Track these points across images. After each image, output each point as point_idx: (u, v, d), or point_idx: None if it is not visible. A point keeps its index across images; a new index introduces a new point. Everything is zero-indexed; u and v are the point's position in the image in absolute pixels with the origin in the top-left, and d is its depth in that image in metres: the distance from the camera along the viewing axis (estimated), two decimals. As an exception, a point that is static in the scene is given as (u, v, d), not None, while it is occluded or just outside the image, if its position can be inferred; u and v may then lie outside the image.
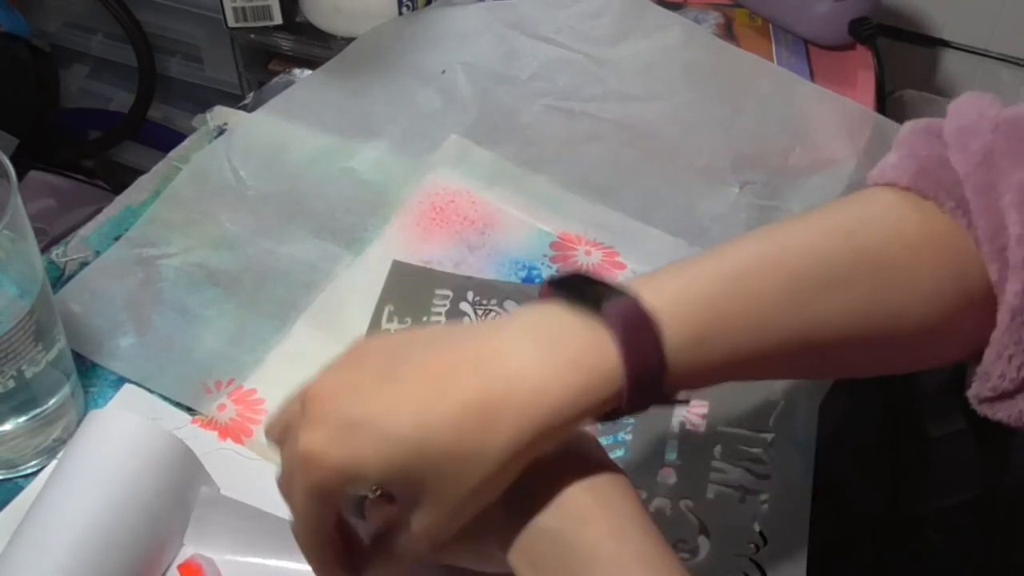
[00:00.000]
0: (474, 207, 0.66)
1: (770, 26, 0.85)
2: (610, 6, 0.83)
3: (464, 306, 0.59)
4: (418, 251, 0.63)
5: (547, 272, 0.62)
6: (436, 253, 0.63)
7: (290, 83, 0.76)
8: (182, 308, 0.59)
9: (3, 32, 1.17)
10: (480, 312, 0.59)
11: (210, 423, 0.54)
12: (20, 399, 0.48)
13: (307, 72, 0.77)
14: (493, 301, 0.59)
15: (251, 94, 0.76)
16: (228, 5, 0.89)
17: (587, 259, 0.63)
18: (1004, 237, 0.41)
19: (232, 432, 0.53)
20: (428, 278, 0.61)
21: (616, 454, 0.52)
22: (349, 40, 0.81)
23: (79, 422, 0.51)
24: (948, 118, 0.47)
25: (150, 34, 1.24)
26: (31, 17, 1.25)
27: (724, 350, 0.40)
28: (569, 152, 0.71)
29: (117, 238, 0.63)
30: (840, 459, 0.56)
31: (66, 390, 0.51)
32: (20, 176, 0.45)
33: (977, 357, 0.43)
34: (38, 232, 0.48)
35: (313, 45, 0.90)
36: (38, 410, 0.50)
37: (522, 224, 0.65)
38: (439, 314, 0.59)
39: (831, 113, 0.75)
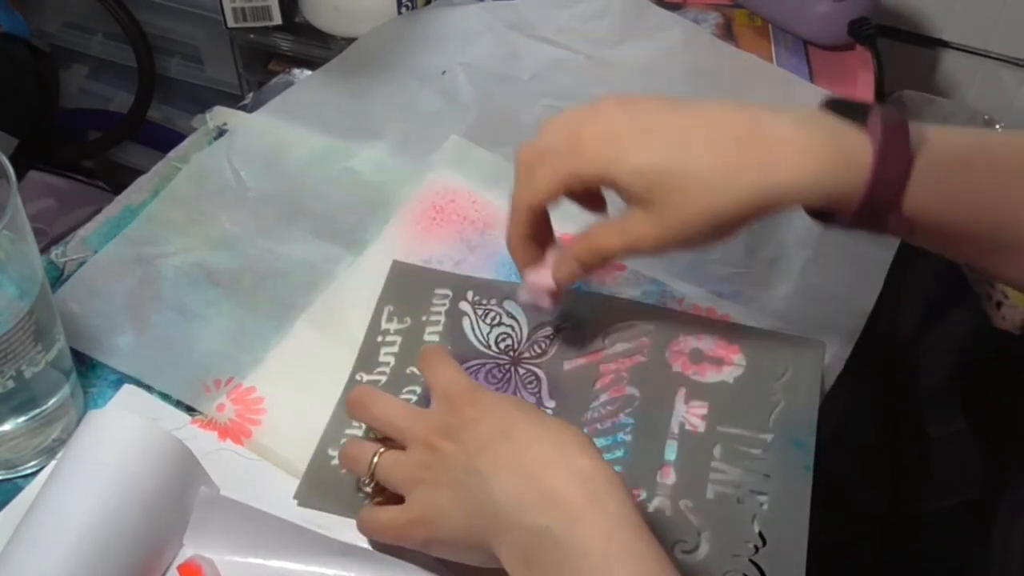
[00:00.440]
0: (474, 207, 0.66)
1: (769, 26, 0.85)
2: (611, 7, 0.83)
3: (464, 305, 0.59)
4: (418, 251, 0.63)
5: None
6: (436, 253, 0.63)
7: (289, 83, 0.76)
8: (181, 307, 0.59)
9: (3, 32, 1.17)
10: (480, 312, 0.59)
11: (209, 423, 0.53)
12: (20, 399, 0.48)
13: (306, 72, 0.77)
14: (493, 301, 0.59)
15: (251, 94, 0.76)
16: (227, 5, 0.89)
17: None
18: None
19: (231, 432, 0.53)
20: (428, 277, 0.61)
21: (616, 454, 0.52)
22: (349, 40, 0.81)
23: (78, 422, 0.51)
24: None
25: (150, 34, 1.24)
26: (31, 17, 1.25)
27: (954, 199, 0.43)
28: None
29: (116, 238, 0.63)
30: (840, 459, 0.56)
31: (65, 390, 0.51)
32: (20, 176, 0.45)
33: None
34: (38, 232, 0.48)
35: (312, 45, 0.90)
36: (37, 410, 0.50)
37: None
38: (438, 313, 0.59)
39: (831, 113, 0.75)
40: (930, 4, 1.02)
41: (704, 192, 0.44)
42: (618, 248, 0.48)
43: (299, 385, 0.55)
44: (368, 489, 0.49)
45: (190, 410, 0.54)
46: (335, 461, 0.52)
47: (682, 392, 0.55)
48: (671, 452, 0.52)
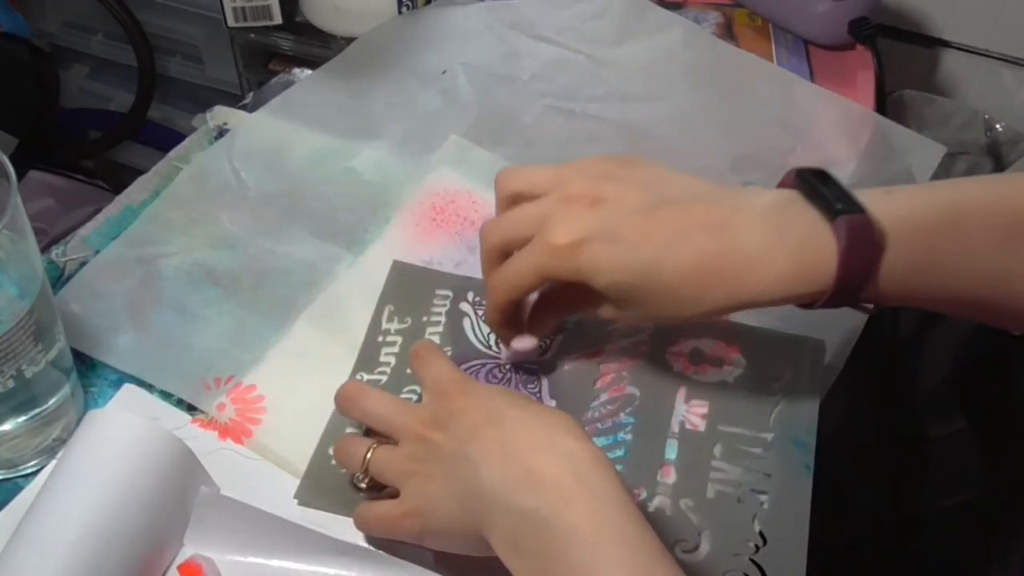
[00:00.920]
0: (475, 207, 0.66)
1: (770, 26, 0.85)
2: (611, 6, 0.83)
3: (464, 306, 0.59)
4: (418, 251, 0.63)
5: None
6: (436, 253, 0.63)
7: (290, 83, 0.76)
8: (182, 307, 0.59)
9: (3, 32, 1.17)
10: (480, 313, 0.59)
11: (210, 423, 0.53)
12: (20, 399, 0.48)
13: (307, 72, 0.77)
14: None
15: (251, 94, 0.76)
16: (228, 5, 0.89)
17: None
18: None
19: (232, 432, 0.53)
20: (428, 278, 0.61)
21: (616, 453, 0.52)
22: (349, 40, 0.81)
23: (79, 422, 0.51)
24: None
25: (150, 34, 1.24)
26: (31, 17, 1.25)
27: (927, 281, 0.44)
28: (570, 152, 0.71)
29: (117, 238, 0.63)
30: (840, 459, 0.56)
31: (66, 390, 0.51)
32: (20, 176, 0.45)
33: None
34: (38, 232, 0.48)
35: (313, 45, 0.90)
36: (38, 410, 0.50)
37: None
38: (439, 314, 0.59)
39: (831, 113, 0.75)
40: (930, 4, 1.02)
41: (674, 304, 0.46)
42: (592, 316, 0.51)
43: (299, 385, 0.55)
44: (362, 485, 0.49)
45: (190, 409, 0.54)
46: (335, 460, 0.52)
47: (682, 391, 0.55)
48: (671, 451, 0.52)
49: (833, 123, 0.75)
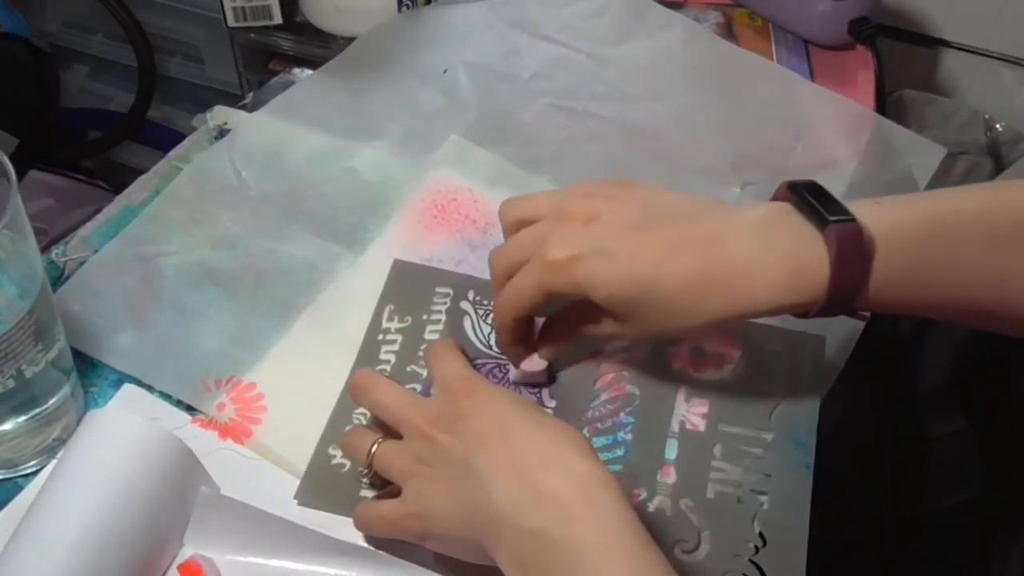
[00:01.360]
0: (476, 206, 0.66)
1: (770, 26, 0.85)
2: (612, 5, 0.83)
3: (465, 305, 0.59)
4: (419, 249, 0.63)
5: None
6: (437, 251, 0.63)
7: (290, 83, 0.76)
8: (182, 307, 0.59)
9: (3, 32, 1.17)
10: (481, 312, 0.59)
11: (210, 423, 0.53)
12: (20, 399, 0.48)
13: (307, 72, 0.77)
14: (493, 301, 0.59)
15: (251, 94, 0.76)
16: (228, 5, 0.89)
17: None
18: None
19: (232, 432, 0.53)
20: (429, 276, 0.61)
21: (616, 453, 0.52)
22: (349, 40, 0.81)
23: (79, 422, 0.51)
24: None
25: (150, 34, 1.24)
26: (31, 17, 1.25)
27: (918, 289, 0.45)
28: (570, 152, 0.71)
29: (116, 237, 0.63)
30: (840, 459, 0.56)
31: (66, 390, 0.51)
32: (20, 176, 0.45)
33: None
34: (38, 232, 0.48)
35: (313, 45, 0.90)
36: (38, 410, 0.50)
37: (522, 224, 0.65)
38: (439, 312, 0.59)
39: (832, 113, 0.75)
40: (930, 3, 1.02)
41: (672, 316, 0.47)
42: (593, 337, 0.52)
43: (299, 384, 0.55)
44: (366, 480, 0.49)
45: (190, 409, 0.54)
46: (335, 460, 0.52)
47: (682, 391, 0.55)
48: (671, 451, 0.52)
49: (833, 123, 0.75)
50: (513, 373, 0.55)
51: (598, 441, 0.53)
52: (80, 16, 1.30)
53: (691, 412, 0.54)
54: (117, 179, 1.20)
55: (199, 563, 0.47)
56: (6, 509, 0.50)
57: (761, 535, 0.49)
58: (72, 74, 1.37)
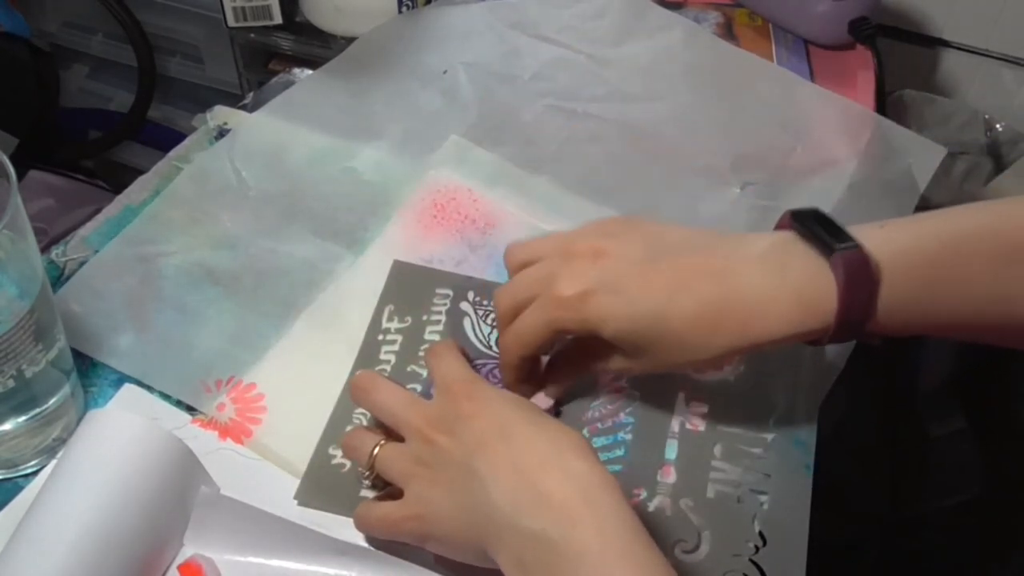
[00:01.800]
0: (475, 205, 0.66)
1: (770, 26, 0.85)
2: (612, 6, 0.83)
3: (465, 306, 0.59)
4: (419, 250, 0.63)
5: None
6: (437, 252, 0.63)
7: (290, 83, 0.76)
8: (182, 307, 0.59)
9: (3, 32, 1.17)
10: (480, 312, 0.59)
11: (210, 423, 0.53)
12: (20, 399, 0.48)
13: (307, 72, 0.77)
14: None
15: (251, 94, 0.76)
16: (228, 5, 0.89)
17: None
18: None
19: (232, 432, 0.53)
20: (429, 277, 0.61)
21: (616, 453, 0.52)
22: (349, 40, 0.81)
23: (79, 422, 0.51)
24: None
25: (150, 34, 1.24)
26: (31, 17, 1.25)
27: (928, 311, 0.45)
28: (570, 152, 0.71)
29: (116, 237, 0.63)
30: (840, 459, 0.56)
31: (66, 390, 0.51)
32: (20, 176, 0.45)
33: None
34: (38, 232, 0.48)
35: (313, 45, 0.90)
36: (38, 410, 0.50)
37: (523, 224, 0.65)
38: (439, 313, 0.59)
39: (832, 114, 0.75)
40: (930, 3, 1.02)
41: (683, 351, 0.47)
42: (601, 371, 0.52)
43: (299, 384, 0.55)
44: (367, 481, 0.49)
45: (190, 409, 0.54)
46: (335, 460, 0.52)
47: (682, 391, 0.55)
48: (671, 451, 0.52)
49: (833, 123, 0.75)
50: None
51: (598, 441, 0.53)
52: (80, 16, 1.30)
53: (691, 412, 0.54)
54: (117, 179, 1.20)
55: (199, 563, 0.47)
56: (6, 509, 0.50)
57: (761, 535, 0.49)
58: (72, 74, 1.37)
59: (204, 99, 1.10)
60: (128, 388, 0.55)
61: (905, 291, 0.44)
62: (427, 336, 0.57)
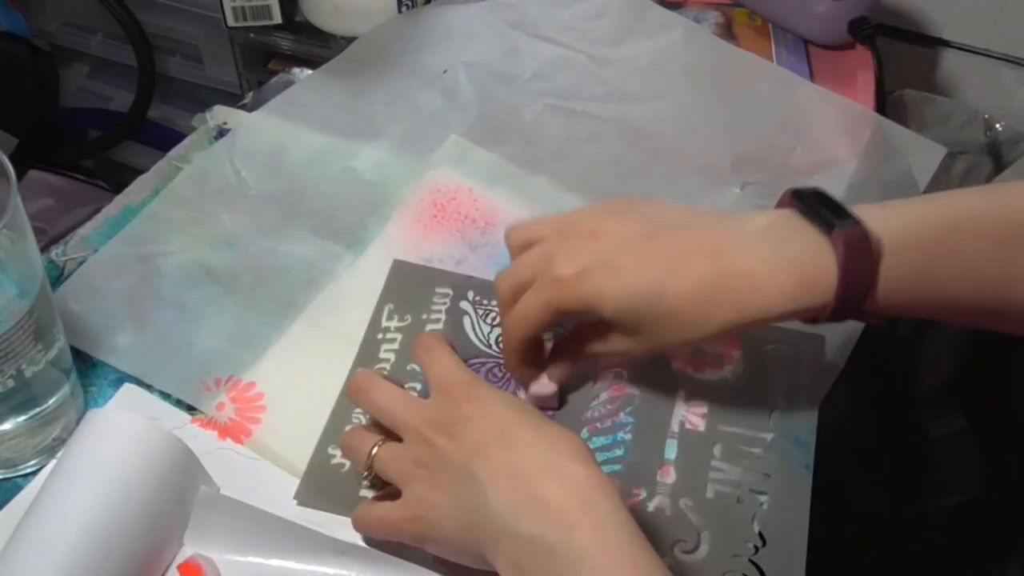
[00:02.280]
0: (475, 205, 0.66)
1: (770, 25, 0.85)
2: (612, 6, 0.83)
3: (464, 305, 0.59)
4: (418, 249, 0.63)
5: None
6: (437, 251, 0.63)
7: (289, 82, 0.76)
8: (181, 306, 0.59)
9: (3, 32, 1.17)
10: (480, 312, 0.59)
11: (209, 423, 0.53)
12: (20, 398, 0.48)
13: (307, 71, 0.77)
14: (494, 301, 0.59)
15: (251, 94, 0.76)
16: (227, 4, 0.89)
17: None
18: None
19: (231, 432, 0.53)
20: (428, 276, 0.61)
21: (616, 453, 0.52)
22: (349, 39, 0.81)
23: (78, 421, 0.51)
24: None
25: (150, 34, 1.24)
26: (31, 17, 1.25)
27: (927, 291, 0.45)
28: (570, 152, 0.71)
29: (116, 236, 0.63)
30: (840, 459, 0.56)
31: (65, 389, 0.51)
32: (20, 176, 0.45)
33: None
34: (38, 232, 0.48)
35: (313, 44, 0.90)
36: (38, 409, 0.50)
37: (523, 223, 0.65)
38: (439, 312, 0.59)
39: (832, 113, 0.75)
40: (930, 3, 1.02)
41: (682, 328, 0.46)
42: (604, 355, 0.51)
43: (299, 384, 0.55)
44: (366, 481, 0.49)
45: (190, 409, 0.54)
46: (335, 460, 0.52)
47: (682, 391, 0.55)
48: (671, 451, 0.52)
49: (833, 123, 0.75)
50: (522, 396, 0.54)
51: (597, 441, 0.53)
52: (80, 16, 1.30)
53: (691, 412, 0.54)
54: (117, 179, 1.20)
55: (199, 563, 0.47)
56: (6, 509, 0.50)
57: (761, 535, 0.49)
58: (72, 74, 1.37)
59: (204, 99, 1.10)
60: (128, 388, 0.55)
61: (905, 269, 0.44)
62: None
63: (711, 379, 0.55)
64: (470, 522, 0.42)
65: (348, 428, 0.53)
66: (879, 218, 0.44)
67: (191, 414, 0.54)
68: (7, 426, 0.49)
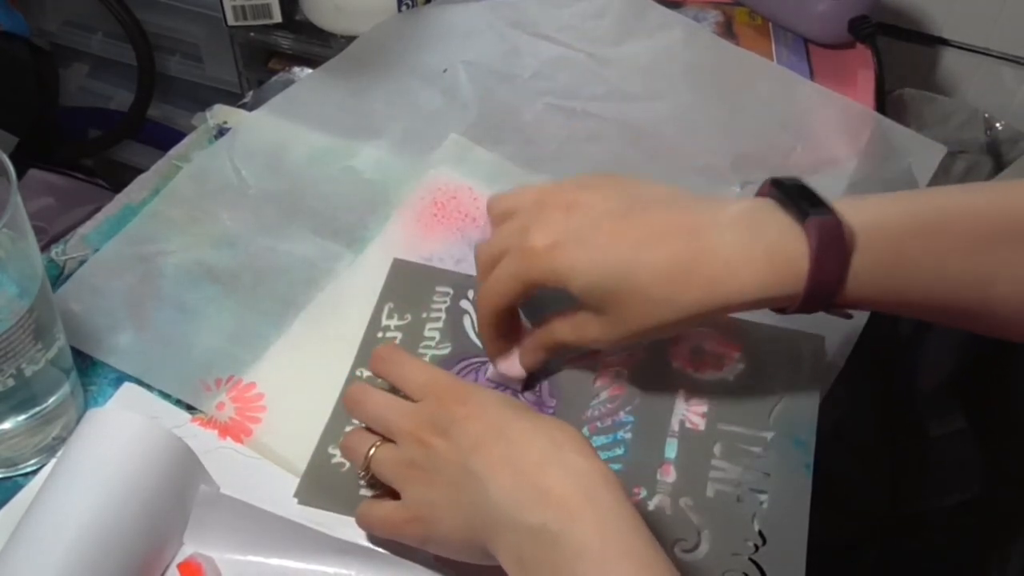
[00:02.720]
0: (475, 204, 0.66)
1: (770, 24, 0.85)
2: (612, 5, 0.83)
3: (465, 304, 0.59)
4: (419, 248, 0.63)
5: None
6: (437, 250, 0.63)
7: (289, 81, 0.76)
8: (181, 305, 0.59)
9: (3, 31, 1.17)
10: (480, 311, 0.59)
11: (209, 422, 0.53)
12: (20, 398, 0.48)
13: (307, 70, 0.77)
14: (493, 300, 0.59)
15: (251, 93, 0.76)
16: (228, 3, 0.89)
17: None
18: None
19: (231, 431, 0.53)
20: (428, 275, 0.61)
21: (616, 452, 0.52)
22: (349, 39, 0.81)
23: (78, 420, 0.51)
24: None
25: (150, 33, 1.24)
26: (31, 16, 1.25)
27: (900, 285, 0.45)
28: (570, 151, 0.71)
29: (116, 236, 0.63)
30: (840, 458, 0.56)
31: (66, 388, 0.51)
32: (20, 175, 0.45)
33: None
34: (38, 231, 0.48)
35: (313, 43, 0.90)
36: (38, 408, 0.50)
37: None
38: (439, 311, 0.59)
39: (832, 113, 0.75)
40: (930, 2, 1.02)
41: (651, 308, 0.46)
42: (574, 343, 0.51)
43: (299, 383, 0.55)
44: (363, 481, 0.49)
45: (190, 408, 0.54)
46: (335, 459, 0.52)
47: (682, 390, 0.55)
48: (671, 450, 0.52)
49: (833, 122, 0.75)
50: (491, 371, 0.55)
51: (597, 440, 0.53)
52: (80, 15, 1.30)
53: (691, 411, 0.54)
54: (117, 178, 1.20)
55: (199, 562, 0.47)
56: (6, 508, 0.50)
57: (761, 534, 0.49)
58: (72, 73, 1.37)
59: (204, 98, 1.10)
60: (128, 387, 0.55)
61: (878, 262, 0.44)
62: (427, 333, 0.57)
63: (711, 379, 0.55)
64: (470, 517, 0.42)
65: (348, 428, 0.53)
66: (855, 210, 0.44)
67: (191, 413, 0.54)
68: (7, 425, 0.49)
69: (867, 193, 0.66)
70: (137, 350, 0.57)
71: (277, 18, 0.90)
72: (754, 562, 0.48)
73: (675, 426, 0.53)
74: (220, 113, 0.72)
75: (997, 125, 1.00)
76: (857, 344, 0.58)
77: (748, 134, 0.73)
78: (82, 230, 0.64)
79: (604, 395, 0.55)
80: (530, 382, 0.55)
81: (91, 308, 0.58)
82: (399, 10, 0.83)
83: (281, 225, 0.64)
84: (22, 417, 0.49)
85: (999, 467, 0.67)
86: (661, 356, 0.56)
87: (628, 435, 0.53)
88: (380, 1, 0.83)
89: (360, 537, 0.48)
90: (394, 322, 0.58)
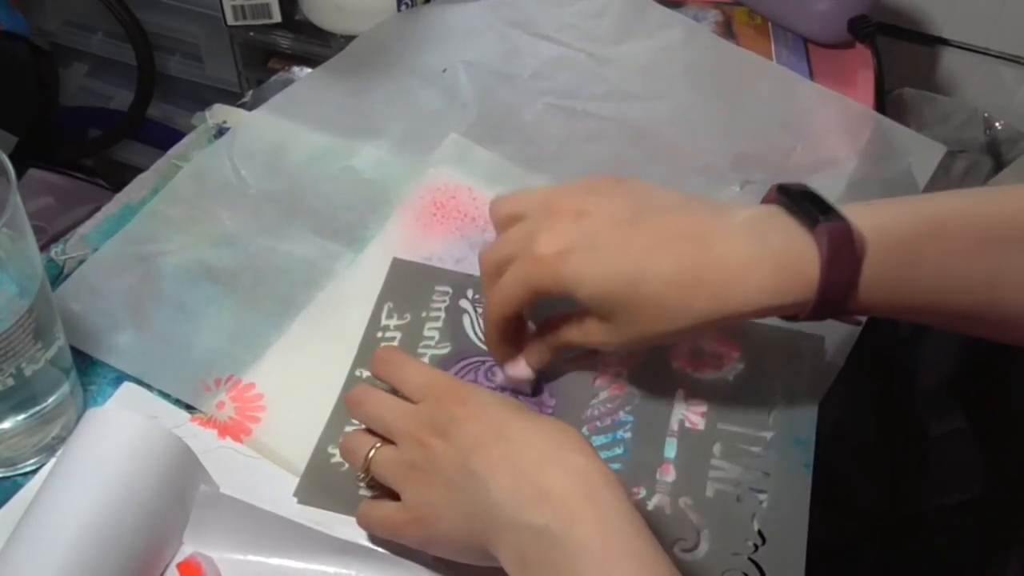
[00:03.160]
0: (475, 203, 0.66)
1: (769, 24, 0.85)
2: (612, 5, 0.83)
3: (464, 303, 0.59)
4: (418, 248, 0.63)
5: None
6: (436, 250, 0.63)
7: (289, 81, 0.76)
8: (181, 305, 0.59)
9: (3, 31, 1.17)
10: (480, 310, 0.59)
11: (209, 421, 0.53)
12: (19, 397, 0.48)
13: (306, 70, 0.77)
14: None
15: (250, 92, 0.76)
16: (227, 3, 0.89)
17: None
18: None
19: (231, 430, 0.53)
20: (428, 275, 0.61)
21: (616, 451, 0.52)
22: (348, 38, 0.81)
23: (78, 420, 0.51)
24: None
25: (150, 32, 1.24)
26: (31, 16, 1.25)
27: (910, 290, 0.44)
28: (570, 151, 0.71)
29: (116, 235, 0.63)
30: (840, 458, 0.56)
31: (65, 388, 0.51)
32: (19, 174, 0.45)
33: None
34: (37, 230, 0.48)
35: (312, 43, 0.90)
36: (37, 408, 0.50)
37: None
38: (438, 310, 0.59)
39: (832, 113, 0.75)
40: (930, 2, 1.02)
41: (659, 316, 0.46)
42: (582, 345, 0.51)
43: (299, 383, 0.55)
44: (363, 482, 0.49)
45: (190, 408, 0.54)
46: (335, 459, 0.52)
47: (682, 390, 0.55)
48: (671, 450, 0.52)
49: (833, 122, 0.75)
50: (500, 376, 0.55)
51: (597, 440, 0.53)
52: (80, 15, 1.30)
53: (691, 411, 0.54)
54: (117, 177, 1.20)
55: (198, 561, 0.47)
56: (5, 507, 0.50)
57: (760, 533, 0.49)
58: (72, 72, 1.37)
59: (204, 97, 1.10)
60: (127, 386, 0.55)
61: (888, 268, 0.44)
62: (426, 332, 0.57)
63: (711, 378, 0.55)
64: (471, 518, 0.42)
65: (348, 427, 0.53)
66: (864, 215, 0.44)
67: (191, 413, 0.54)
68: (7, 425, 0.49)
69: (867, 193, 0.66)
70: (137, 350, 0.57)
71: (277, 18, 0.90)
72: (754, 562, 0.48)
73: (675, 426, 0.53)
74: (220, 113, 0.72)
75: (997, 125, 1.00)
76: (857, 344, 0.58)
77: (748, 134, 0.73)
78: (82, 230, 0.64)
79: (604, 395, 0.55)
80: (538, 386, 0.55)
81: (91, 308, 0.58)
82: (399, 10, 0.83)
83: (281, 225, 0.64)
84: (22, 417, 0.49)
85: (999, 467, 0.67)
86: (661, 356, 0.56)
87: (628, 435, 0.53)
88: (380, 1, 0.83)
89: (360, 537, 0.48)
90: (394, 322, 0.58)
